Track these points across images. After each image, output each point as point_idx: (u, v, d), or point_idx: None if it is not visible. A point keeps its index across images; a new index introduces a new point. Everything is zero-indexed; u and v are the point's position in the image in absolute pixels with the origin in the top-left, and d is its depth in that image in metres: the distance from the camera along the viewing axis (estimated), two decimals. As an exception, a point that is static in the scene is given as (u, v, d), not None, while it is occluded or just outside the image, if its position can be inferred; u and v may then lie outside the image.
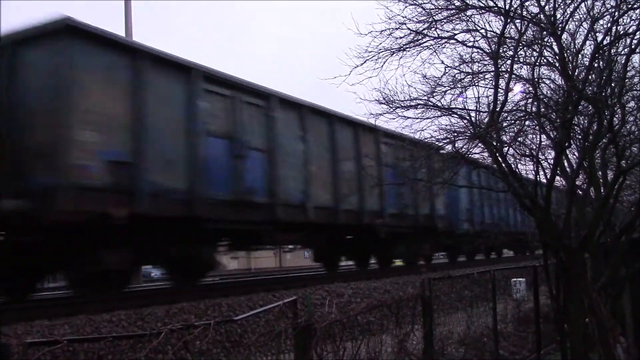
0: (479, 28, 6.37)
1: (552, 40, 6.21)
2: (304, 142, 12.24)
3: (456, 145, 6.82)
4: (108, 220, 8.04)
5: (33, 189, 7.84)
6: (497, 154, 6.45)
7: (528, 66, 6.74)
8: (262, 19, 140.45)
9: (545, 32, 6.21)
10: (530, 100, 6.92)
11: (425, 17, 6.18)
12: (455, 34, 6.44)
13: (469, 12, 6.26)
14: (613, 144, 7.17)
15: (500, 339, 8.11)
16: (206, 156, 9.73)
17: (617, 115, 7.03)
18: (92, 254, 8.45)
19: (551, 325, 8.19)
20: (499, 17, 6.18)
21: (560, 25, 6.06)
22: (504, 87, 6.37)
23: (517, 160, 7.24)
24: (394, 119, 6.84)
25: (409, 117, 6.86)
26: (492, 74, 6.53)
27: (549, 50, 6.51)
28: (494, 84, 6.38)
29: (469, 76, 6.79)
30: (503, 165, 6.48)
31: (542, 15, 5.98)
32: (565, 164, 7.82)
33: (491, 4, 6.11)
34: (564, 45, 6.24)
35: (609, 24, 6.15)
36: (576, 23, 6.45)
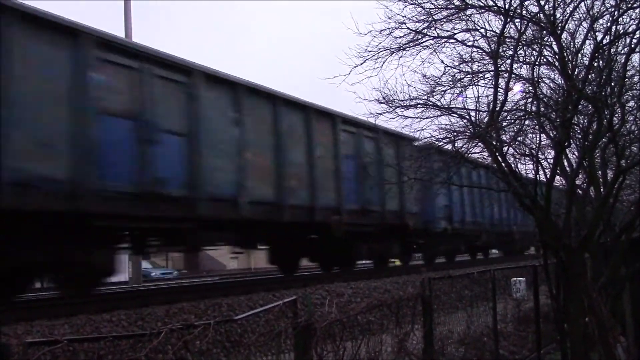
0: (478, 27, 6.39)
1: (552, 39, 6.21)
2: (239, 126, 10.49)
3: (456, 144, 6.83)
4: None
5: None
6: (497, 154, 6.46)
7: (528, 65, 6.75)
8: (262, 19, 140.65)
9: (545, 32, 6.21)
10: (530, 99, 6.93)
11: (424, 17, 6.19)
12: (455, 34, 6.46)
13: (468, 12, 6.28)
14: (613, 144, 7.18)
15: (500, 338, 8.12)
16: (99, 139, 8.11)
17: (616, 115, 7.03)
18: None
19: (551, 324, 8.20)
20: (498, 16, 6.18)
21: (560, 24, 6.05)
22: (503, 87, 6.38)
23: (517, 160, 7.27)
24: (393, 118, 6.88)
25: (408, 117, 6.89)
26: (491, 73, 6.54)
27: (549, 49, 6.52)
28: (493, 83, 6.39)
29: (468, 76, 6.81)
30: (503, 164, 6.48)
31: (541, 15, 5.98)
32: (565, 163, 7.83)
33: (491, 3, 6.11)
34: (563, 44, 6.24)
35: (609, 24, 6.15)
36: (576, 22, 6.46)
